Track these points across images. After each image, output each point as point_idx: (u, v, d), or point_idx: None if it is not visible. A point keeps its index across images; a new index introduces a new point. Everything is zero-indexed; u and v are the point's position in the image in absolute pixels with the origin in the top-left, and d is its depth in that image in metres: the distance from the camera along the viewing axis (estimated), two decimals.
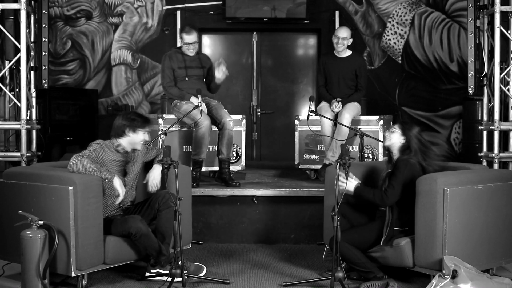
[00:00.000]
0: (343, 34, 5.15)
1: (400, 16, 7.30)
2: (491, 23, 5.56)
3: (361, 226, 3.67)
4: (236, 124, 5.11)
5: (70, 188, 3.20)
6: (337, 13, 7.25)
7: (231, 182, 4.79)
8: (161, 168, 3.62)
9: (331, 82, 5.26)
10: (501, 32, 5.42)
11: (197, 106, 4.61)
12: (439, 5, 7.28)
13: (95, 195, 3.32)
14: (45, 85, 5.77)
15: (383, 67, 7.36)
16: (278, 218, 4.72)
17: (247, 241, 4.71)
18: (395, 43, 7.33)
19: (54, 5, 7.21)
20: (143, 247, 3.49)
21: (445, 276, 3.13)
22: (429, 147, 3.58)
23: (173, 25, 7.25)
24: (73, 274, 3.27)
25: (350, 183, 3.52)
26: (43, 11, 5.76)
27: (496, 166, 5.44)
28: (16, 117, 5.81)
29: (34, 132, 5.54)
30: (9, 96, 5.65)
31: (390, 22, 7.33)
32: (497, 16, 5.38)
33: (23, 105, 5.33)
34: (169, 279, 3.40)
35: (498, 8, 5.35)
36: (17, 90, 5.75)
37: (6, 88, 5.61)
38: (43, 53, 5.76)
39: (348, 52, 5.26)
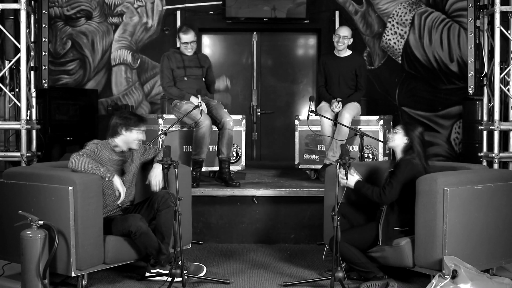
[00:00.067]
0: (344, 33, 5.15)
1: (400, 16, 7.30)
2: (491, 23, 5.56)
3: (361, 226, 3.67)
4: (236, 124, 5.11)
5: (70, 188, 3.20)
6: (337, 13, 7.25)
7: (231, 182, 4.79)
8: (161, 167, 3.62)
9: (331, 82, 5.26)
10: (501, 32, 5.41)
11: (197, 106, 4.61)
12: (439, 5, 7.28)
13: (95, 195, 3.32)
14: (45, 85, 5.75)
15: (383, 67, 7.36)
16: (278, 218, 4.72)
17: (247, 241, 4.71)
18: (395, 43, 7.33)
19: (54, 5, 7.21)
20: (143, 246, 3.49)
21: (445, 276, 3.13)
22: (426, 148, 3.59)
23: (173, 25, 7.24)
24: (73, 274, 3.27)
25: (352, 178, 3.52)
26: (43, 11, 5.75)
27: (496, 166, 5.43)
28: (16, 117, 5.81)
29: (34, 132, 5.53)
30: (9, 96, 5.64)
31: (390, 22, 7.33)
32: (497, 16, 5.37)
33: (23, 105, 5.33)
34: (169, 279, 3.40)
35: (498, 8, 5.35)
36: (17, 90, 5.74)
37: (6, 88, 5.60)
38: (43, 53, 5.75)
39: (348, 52, 5.26)
